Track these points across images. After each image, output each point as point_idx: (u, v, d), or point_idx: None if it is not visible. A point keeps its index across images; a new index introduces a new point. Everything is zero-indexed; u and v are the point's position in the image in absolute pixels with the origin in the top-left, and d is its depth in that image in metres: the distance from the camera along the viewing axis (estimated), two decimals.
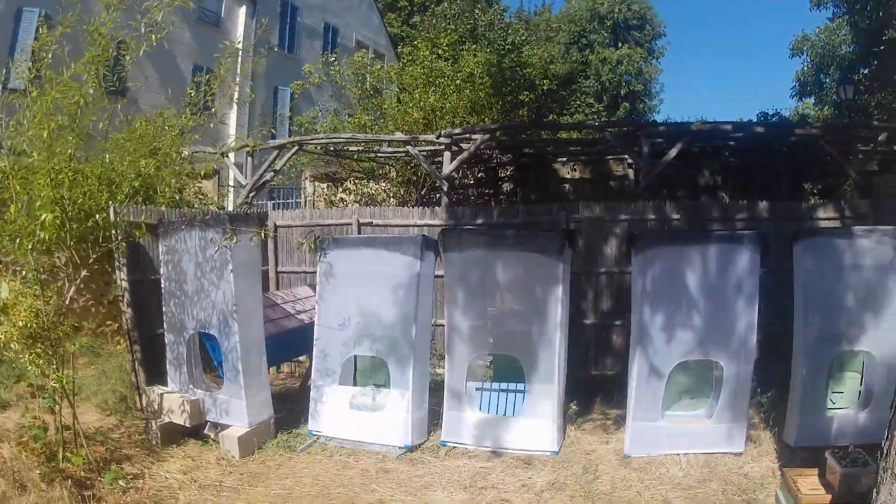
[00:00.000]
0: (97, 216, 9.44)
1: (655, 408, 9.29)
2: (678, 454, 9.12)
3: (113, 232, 9.83)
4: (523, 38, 30.36)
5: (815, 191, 20.06)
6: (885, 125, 15.10)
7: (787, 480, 6.45)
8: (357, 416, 10.08)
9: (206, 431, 10.02)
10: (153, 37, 9.06)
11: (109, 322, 12.46)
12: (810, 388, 9.05)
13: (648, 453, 9.18)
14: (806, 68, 38.70)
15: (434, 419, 10.28)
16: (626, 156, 17.39)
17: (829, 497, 6.14)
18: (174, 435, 9.77)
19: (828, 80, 37.39)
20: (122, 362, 11.11)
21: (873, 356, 8.95)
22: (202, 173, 11.80)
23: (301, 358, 12.78)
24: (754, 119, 23.88)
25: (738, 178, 18.59)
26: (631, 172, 18.67)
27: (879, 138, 14.88)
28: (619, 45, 46.25)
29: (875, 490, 4.98)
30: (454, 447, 9.77)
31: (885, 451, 4.88)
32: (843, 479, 6.06)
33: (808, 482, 6.35)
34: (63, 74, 8.47)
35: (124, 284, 10.56)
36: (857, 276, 8.98)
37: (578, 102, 40.51)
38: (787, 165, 17.39)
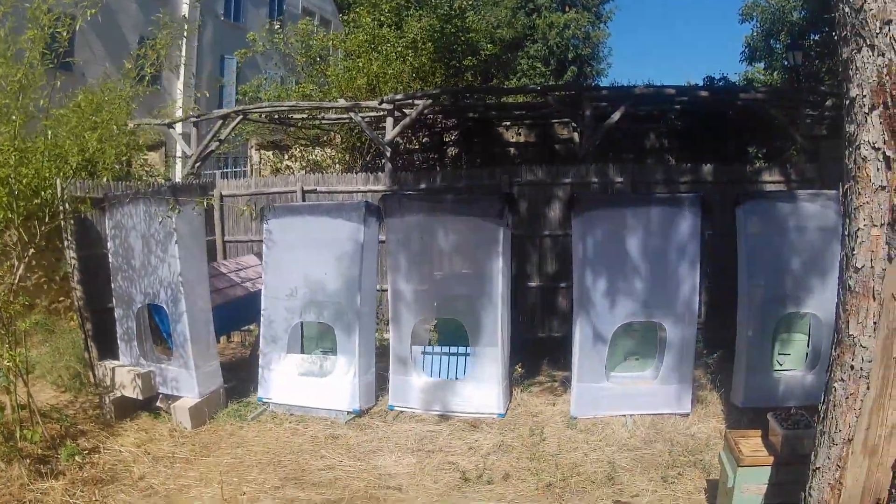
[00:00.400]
0: (44, 193, 9.42)
1: (600, 369, 9.46)
2: (625, 415, 9.31)
3: (60, 208, 9.82)
4: (469, 2, 30.17)
5: (759, 154, 20.28)
6: (833, 91, 15.25)
7: (729, 442, 6.49)
8: (305, 383, 10.15)
9: (158, 404, 10.06)
10: (88, 11, 8.99)
11: (62, 298, 12.42)
12: (756, 349, 9.28)
13: (595, 415, 9.34)
14: (755, 34, 38.52)
15: (382, 384, 10.39)
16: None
17: (771, 459, 6.07)
18: (127, 408, 9.80)
19: (778, 46, 37.15)
20: (75, 338, 11.08)
21: (819, 318, 9.13)
22: (140, 142, 11.68)
23: (251, 326, 12.73)
24: (701, 83, 23.92)
25: (685, 141, 18.76)
26: (576, 136, 18.67)
27: (827, 103, 15.04)
28: (567, 9, 45.97)
29: (813, 453, 5.04)
30: (402, 411, 9.91)
31: (822, 415, 4.77)
32: (784, 441, 6.04)
33: (751, 444, 6.33)
34: (4, 54, 8.41)
35: (73, 261, 10.53)
36: (801, 240, 9.16)
37: (525, 67, 40.39)
38: (734, 129, 17.56)
